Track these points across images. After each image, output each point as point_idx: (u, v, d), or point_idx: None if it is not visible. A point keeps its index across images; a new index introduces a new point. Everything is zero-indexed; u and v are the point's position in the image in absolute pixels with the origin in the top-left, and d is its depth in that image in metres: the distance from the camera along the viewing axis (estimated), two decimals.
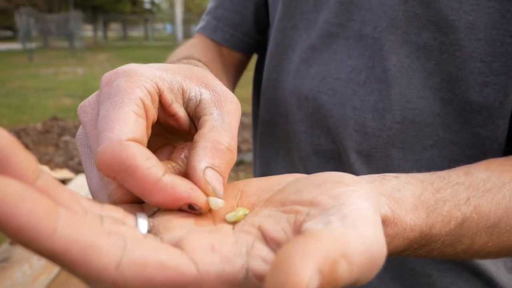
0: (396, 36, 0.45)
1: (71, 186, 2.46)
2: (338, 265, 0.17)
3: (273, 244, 0.21)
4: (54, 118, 4.76)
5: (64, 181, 2.63)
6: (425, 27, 0.44)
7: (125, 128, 0.23)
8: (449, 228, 0.32)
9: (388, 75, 0.46)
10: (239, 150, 3.30)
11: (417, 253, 0.32)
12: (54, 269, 1.58)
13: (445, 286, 0.49)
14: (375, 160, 0.48)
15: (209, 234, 0.22)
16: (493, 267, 0.49)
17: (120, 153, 0.22)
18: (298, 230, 0.20)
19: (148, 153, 0.23)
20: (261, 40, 0.63)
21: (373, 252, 0.19)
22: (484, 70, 0.43)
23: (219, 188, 0.25)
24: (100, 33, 28.03)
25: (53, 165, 3.35)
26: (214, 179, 0.25)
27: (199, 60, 0.47)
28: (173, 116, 0.28)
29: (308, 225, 0.20)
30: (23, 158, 0.17)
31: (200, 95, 0.28)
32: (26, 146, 3.77)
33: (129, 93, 0.25)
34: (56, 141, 3.99)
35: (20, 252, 1.67)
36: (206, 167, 0.25)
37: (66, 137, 4.09)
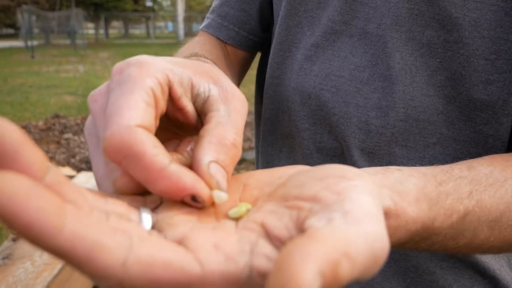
0: (400, 34, 0.45)
1: None
2: (340, 265, 0.17)
3: (276, 241, 0.21)
4: (56, 116, 4.77)
5: None
6: (429, 25, 0.44)
7: (134, 115, 0.23)
8: (451, 221, 0.32)
9: (391, 73, 0.46)
10: None
11: (419, 246, 0.32)
12: (57, 266, 1.58)
13: (448, 283, 0.49)
14: (378, 157, 0.48)
15: (212, 231, 0.22)
16: (496, 264, 0.49)
17: (128, 138, 0.22)
18: (300, 227, 0.20)
19: (156, 141, 0.23)
20: (265, 38, 0.63)
21: (376, 248, 0.19)
22: (488, 68, 0.43)
23: (223, 182, 0.25)
24: (101, 31, 28.05)
25: (55, 163, 3.36)
26: (218, 173, 0.25)
27: (206, 58, 0.47)
28: (181, 109, 0.28)
29: (310, 222, 0.20)
30: (32, 153, 0.18)
31: (209, 91, 0.28)
32: None
33: (140, 82, 0.25)
34: (58, 139, 4.00)
35: (22, 249, 1.67)
36: (211, 161, 0.25)
37: (68, 135, 4.10)
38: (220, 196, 0.24)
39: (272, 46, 0.56)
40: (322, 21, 0.51)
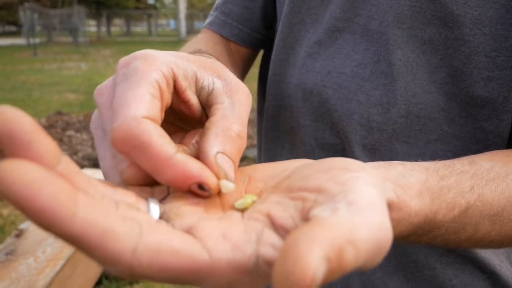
0: (402, 31, 0.46)
1: None
2: (345, 251, 0.17)
3: (282, 231, 0.21)
4: (58, 113, 4.78)
5: None
6: (431, 22, 0.45)
7: (141, 106, 0.24)
8: (453, 215, 0.32)
9: (393, 70, 0.46)
10: None
11: (421, 239, 0.32)
12: (59, 263, 1.59)
13: (448, 278, 0.49)
14: (380, 154, 0.48)
15: (219, 221, 0.22)
16: (496, 260, 0.50)
17: (136, 129, 0.23)
18: (305, 217, 0.21)
19: (162, 132, 0.24)
20: (268, 36, 0.63)
21: (380, 237, 0.19)
22: (488, 65, 0.43)
23: (231, 172, 0.25)
24: (103, 29, 28.03)
25: None
26: (225, 164, 0.25)
27: (210, 55, 0.48)
28: (186, 102, 0.28)
29: (315, 212, 0.20)
30: (45, 143, 0.18)
31: (213, 84, 0.29)
32: None
33: (146, 75, 0.25)
34: (60, 136, 4.01)
35: (25, 245, 1.68)
36: (218, 152, 0.25)
37: (70, 132, 4.10)
38: (227, 185, 0.25)
39: (275, 43, 0.57)
40: (324, 18, 0.51)
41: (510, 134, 0.46)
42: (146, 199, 0.24)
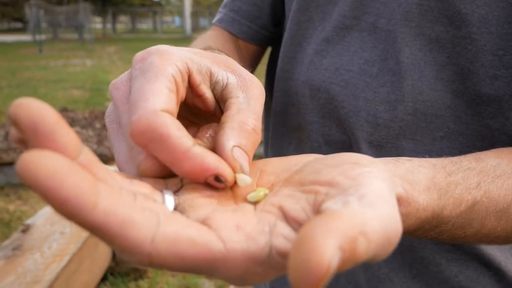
0: (410, 29, 0.46)
1: None
2: (358, 242, 0.18)
3: (294, 223, 0.22)
4: (64, 110, 4.80)
5: None
6: (438, 21, 0.45)
7: (159, 100, 0.24)
8: (460, 210, 0.33)
9: (400, 68, 0.47)
10: None
11: (428, 234, 0.33)
12: (65, 258, 1.60)
13: (454, 274, 0.50)
14: (386, 150, 0.49)
15: (233, 213, 0.23)
16: (501, 257, 0.50)
17: (154, 121, 0.23)
18: (317, 209, 0.21)
19: (180, 125, 0.24)
20: (276, 33, 0.64)
21: (390, 230, 0.20)
22: (495, 63, 0.44)
23: (246, 166, 0.26)
24: (109, 26, 28.06)
25: None
26: (241, 157, 0.26)
27: (220, 51, 0.48)
28: (200, 97, 0.29)
29: (327, 204, 0.21)
30: (68, 134, 0.19)
31: (227, 79, 0.29)
32: None
33: (162, 70, 0.26)
34: None
35: (32, 240, 1.69)
36: (234, 146, 0.26)
37: (75, 128, 4.12)
38: (244, 179, 0.26)
39: (283, 40, 0.57)
40: (333, 16, 0.51)
41: None
42: (161, 190, 0.24)
